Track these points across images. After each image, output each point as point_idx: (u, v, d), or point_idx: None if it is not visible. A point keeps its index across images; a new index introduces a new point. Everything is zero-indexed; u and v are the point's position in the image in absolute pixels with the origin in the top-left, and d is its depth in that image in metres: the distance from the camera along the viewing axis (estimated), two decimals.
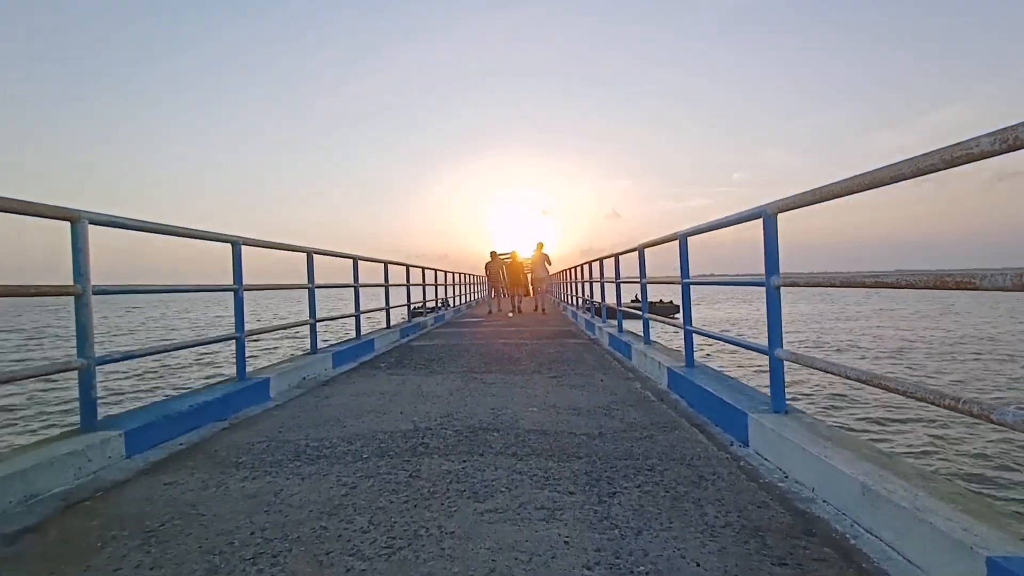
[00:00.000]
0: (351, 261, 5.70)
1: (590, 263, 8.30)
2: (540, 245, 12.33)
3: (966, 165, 1.27)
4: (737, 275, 3.61)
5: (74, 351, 2.25)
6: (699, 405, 2.83)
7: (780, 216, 2.26)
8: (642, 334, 4.80)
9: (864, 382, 1.68)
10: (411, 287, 8.57)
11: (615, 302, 6.07)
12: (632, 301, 39.81)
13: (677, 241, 3.49)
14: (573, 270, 11.70)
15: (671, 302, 35.65)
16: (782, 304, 2.31)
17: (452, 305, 13.29)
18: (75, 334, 2.25)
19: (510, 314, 12.15)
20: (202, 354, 15.36)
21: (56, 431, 5.77)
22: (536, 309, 12.25)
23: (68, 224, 2.20)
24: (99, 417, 2.28)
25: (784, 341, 2.30)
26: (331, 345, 5.24)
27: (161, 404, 2.69)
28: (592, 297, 8.57)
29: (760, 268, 2.30)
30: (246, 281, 3.40)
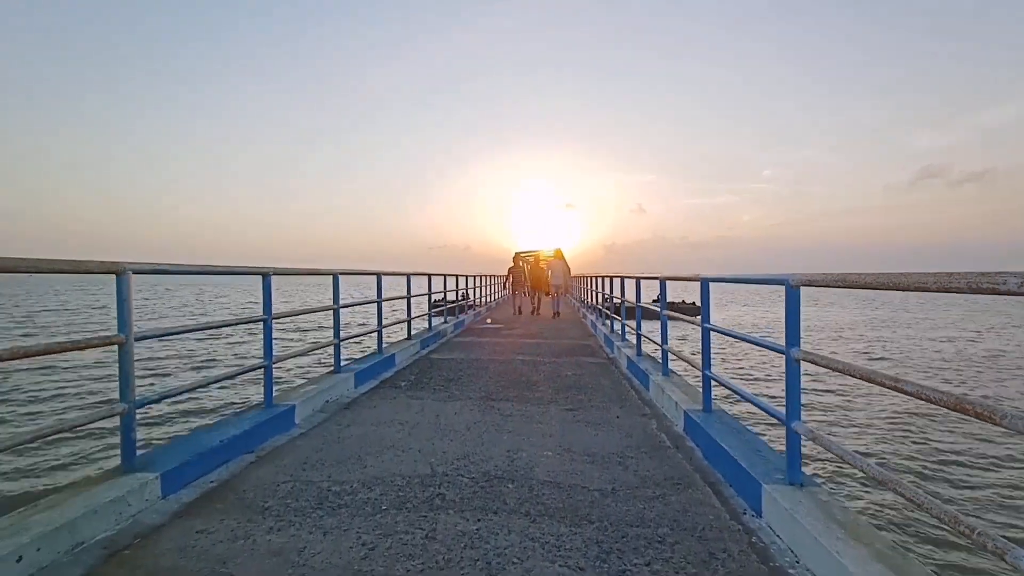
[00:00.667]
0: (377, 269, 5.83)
1: (611, 279, 8.27)
2: (558, 252, 13.19)
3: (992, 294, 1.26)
4: (759, 335, 3.55)
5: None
6: (714, 459, 2.83)
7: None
8: (660, 355, 4.78)
9: (887, 484, 1.67)
10: (432, 294, 8.79)
11: (634, 304, 6.05)
12: (653, 302, 39.43)
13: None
14: (593, 279, 11.70)
15: (693, 303, 35.21)
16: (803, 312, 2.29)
17: (472, 308, 13.41)
18: (117, 377, 2.39)
19: (532, 313, 13.51)
20: (231, 343, 15.93)
21: (93, 464, 6.09)
22: (553, 315, 12.81)
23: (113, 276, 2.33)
24: (136, 454, 2.42)
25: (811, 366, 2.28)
26: (354, 362, 5.38)
27: (193, 439, 2.83)
28: (610, 306, 8.62)
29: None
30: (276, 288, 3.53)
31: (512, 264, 14.68)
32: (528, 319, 12.56)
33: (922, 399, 1.46)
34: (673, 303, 34.20)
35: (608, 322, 8.94)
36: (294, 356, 4.09)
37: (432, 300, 9.16)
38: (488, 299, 16.64)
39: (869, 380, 1.72)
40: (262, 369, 3.53)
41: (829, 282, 1.95)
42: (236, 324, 3.32)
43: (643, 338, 5.85)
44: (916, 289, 1.50)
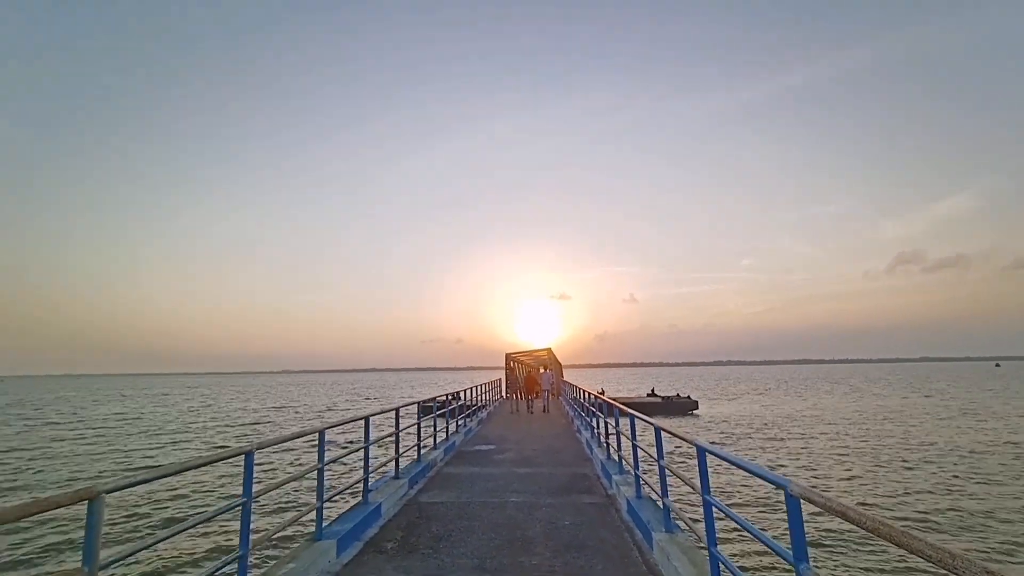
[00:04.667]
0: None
1: (609, 404, 8.18)
2: (548, 352, 15.35)
3: None
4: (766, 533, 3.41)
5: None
6: None
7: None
8: (660, 495, 4.54)
9: None
10: (423, 404, 8.60)
11: (622, 406, 5.86)
12: (648, 395, 38.10)
13: (695, 448, 3.40)
14: (581, 391, 11.65)
15: (688, 397, 34.55)
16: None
17: (463, 423, 13.00)
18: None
19: (528, 411, 17.93)
20: (205, 530, 14.93)
21: None
22: (543, 410, 18.31)
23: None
24: None
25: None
26: (337, 520, 5.03)
27: None
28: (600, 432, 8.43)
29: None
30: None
31: (505, 364, 20.53)
32: (523, 425, 13.96)
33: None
34: (667, 397, 33.59)
35: (604, 442, 8.70)
36: (275, 534, 3.80)
37: (423, 406, 9.08)
38: (482, 400, 17.52)
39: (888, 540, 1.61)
40: (236, 561, 3.25)
41: (826, 506, 1.91)
42: (213, 516, 3.11)
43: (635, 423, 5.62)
44: (913, 552, 1.47)
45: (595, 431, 10.09)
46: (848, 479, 13.14)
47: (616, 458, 7.69)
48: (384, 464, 6.52)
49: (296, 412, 36.76)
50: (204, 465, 3.00)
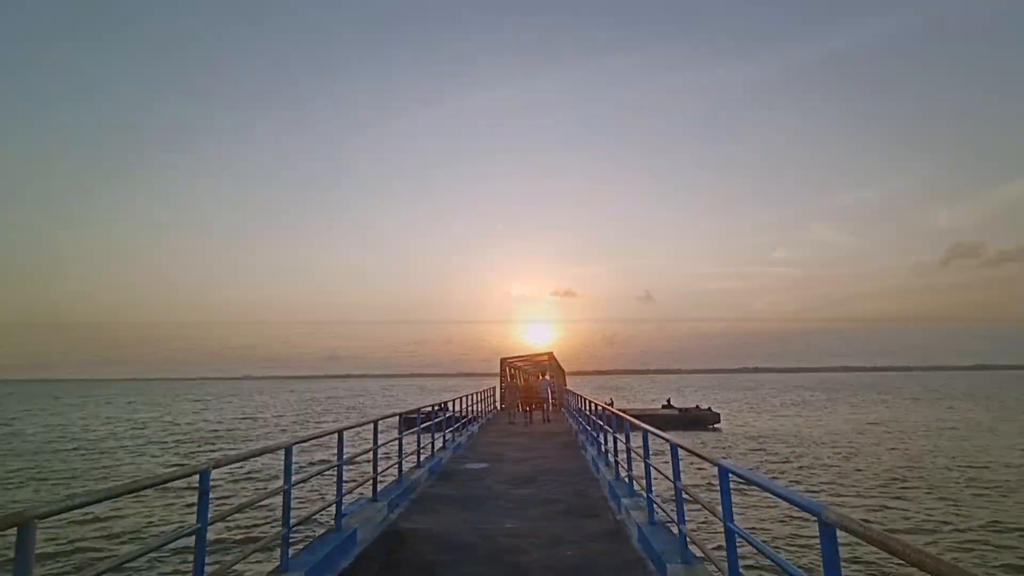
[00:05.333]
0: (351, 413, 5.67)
1: (618, 416, 8.23)
2: (550, 357, 15.33)
3: None
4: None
5: None
6: None
7: None
8: (676, 520, 4.58)
9: None
10: (406, 416, 8.61)
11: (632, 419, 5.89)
12: (663, 406, 38.25)
13: (717, 468, 3.43)
14: (594, 404, 11.71)
15: (708, 409, 34.76)
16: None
17: (451, 437, 13.03)
18: None
19: (526, 425, 18.21)
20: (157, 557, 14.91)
21: None
22: (544, 421, 19.12)
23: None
24: None
25: None
26: (306, 549, 5.03)
27: None
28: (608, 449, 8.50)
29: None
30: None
31: (500, 371, 20.90)
32: (520, 439, 13.97)
33: None
34: (684, 409, 33.79)
35: (613, 459, 8.76)
36: (233, 566, 3.79)
37: (405, 418, 9.16)
38: (474, 411, 17.65)
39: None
40: None
41: (865, 535, 1.93)
42: (163, 545, 3.10)
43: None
44: None
45: (602, 447, 10.14)
46: (895, 508, 13.24)
47: (626, 478, 7.73)
48: (360, 485, 6.54)
49: (261, 424, 36.77)
50: (153, 486, 3.00)
